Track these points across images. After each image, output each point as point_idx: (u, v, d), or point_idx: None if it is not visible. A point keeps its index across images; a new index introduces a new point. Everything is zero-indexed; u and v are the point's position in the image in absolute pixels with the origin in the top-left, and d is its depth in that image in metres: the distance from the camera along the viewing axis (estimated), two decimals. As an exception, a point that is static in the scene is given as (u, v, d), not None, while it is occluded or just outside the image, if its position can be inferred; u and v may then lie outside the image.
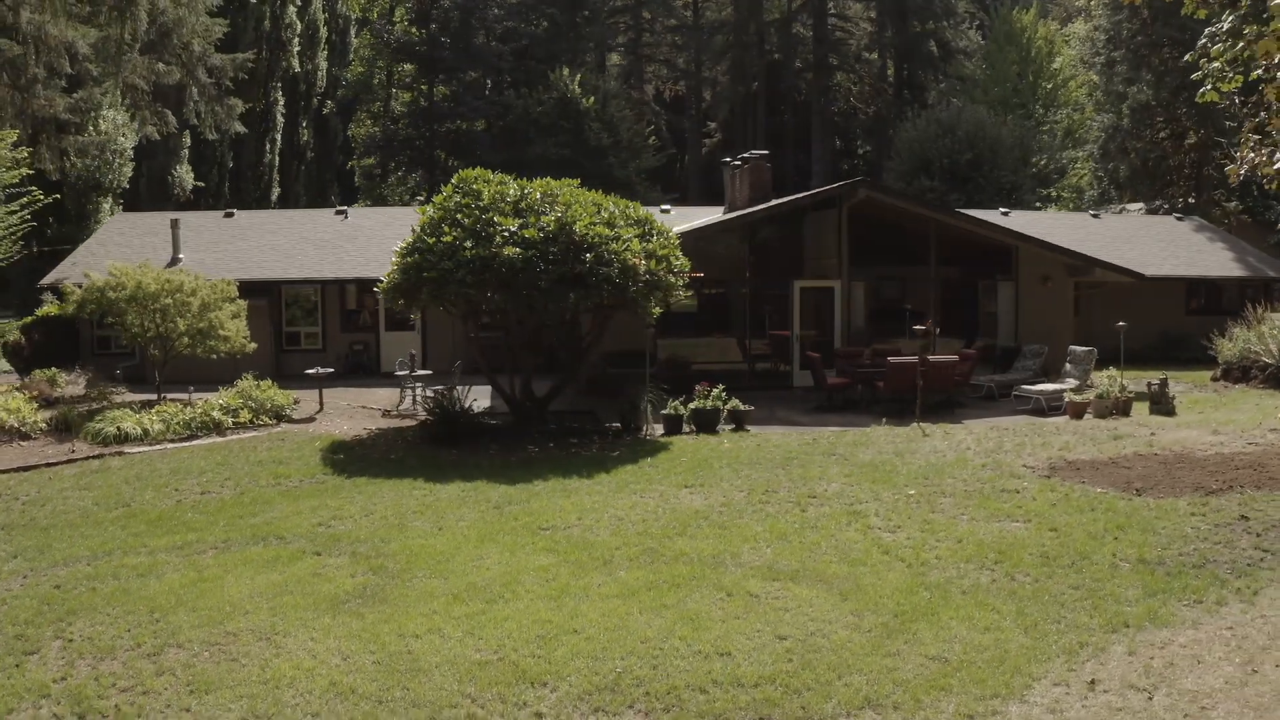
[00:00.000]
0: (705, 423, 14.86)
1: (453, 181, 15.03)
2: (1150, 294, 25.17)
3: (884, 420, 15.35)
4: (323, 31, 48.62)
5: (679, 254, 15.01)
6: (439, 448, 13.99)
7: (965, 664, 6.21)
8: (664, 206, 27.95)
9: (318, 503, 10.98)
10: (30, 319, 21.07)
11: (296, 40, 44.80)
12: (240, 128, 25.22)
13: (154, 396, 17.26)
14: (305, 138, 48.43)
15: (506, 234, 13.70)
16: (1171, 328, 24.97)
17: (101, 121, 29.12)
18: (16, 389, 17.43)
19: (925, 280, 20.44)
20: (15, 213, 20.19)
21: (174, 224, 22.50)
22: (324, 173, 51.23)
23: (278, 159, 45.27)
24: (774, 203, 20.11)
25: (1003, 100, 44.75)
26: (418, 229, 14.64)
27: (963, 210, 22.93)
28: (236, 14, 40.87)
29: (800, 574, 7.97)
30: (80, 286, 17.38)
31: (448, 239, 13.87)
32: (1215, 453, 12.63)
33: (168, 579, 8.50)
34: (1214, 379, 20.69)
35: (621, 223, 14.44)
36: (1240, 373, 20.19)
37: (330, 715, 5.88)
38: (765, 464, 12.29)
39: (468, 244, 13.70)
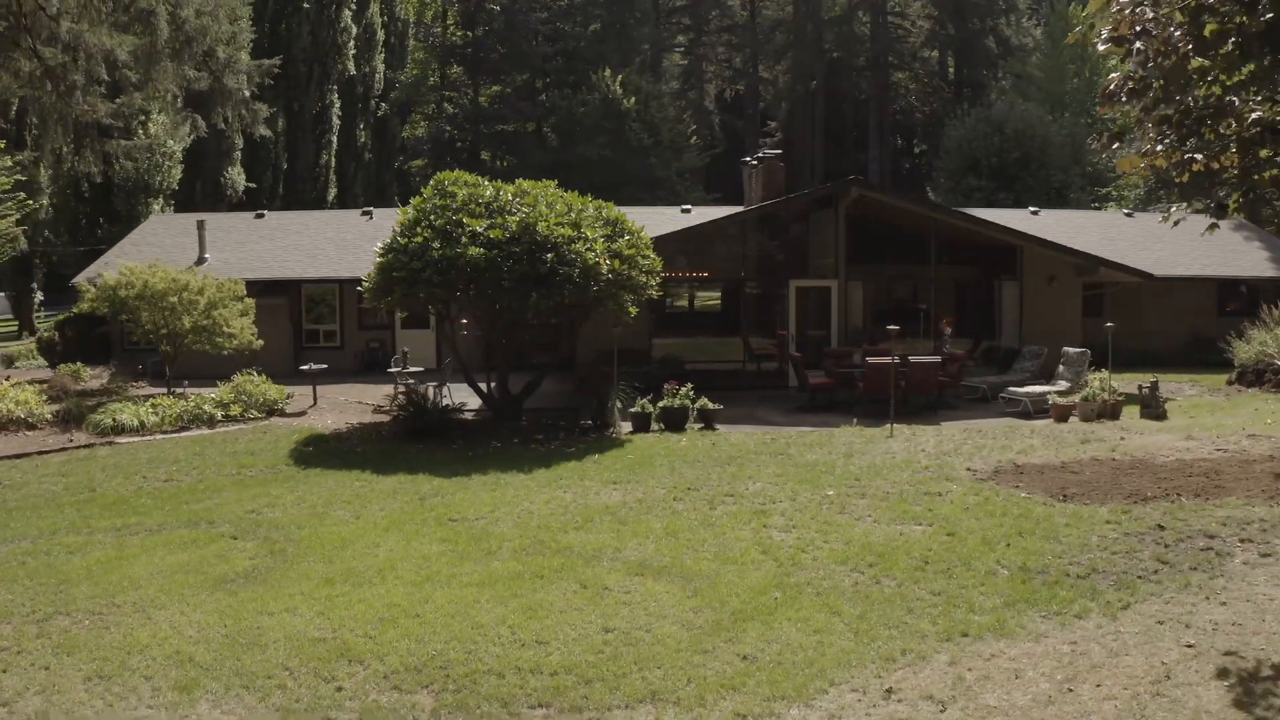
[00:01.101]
0: (673, 421, 14.97)
1: (431, 183, 15.44)
2: (1182, 295, 24.35)
3: (855, 421, 15.23)
4: (380, 35, 49.94)
5: (649, 253, 15.15)
6: (408, 442, 14.41)
7: (771, 665, 6.26)
8: (685, 206, 28.02)
9: (261, 491, 11.47)
10: (64, 316, 22.24)
11: (352, 44, 46.13)
12: (266, 131, 26.05)
13: (167, 390, 18.11)
14: (363, 139, 49.77)
15: (473, 234, 14.04)
16: (1203, 329, 24.05)
17: (151, 125, 30.59)
18: (40, 383, 18.49)
19: (926, 280, 20.14)
20: (5, 216, 21.35)
21: (200, 225, 23.52)
22: (383, 174, 52.58)
23: (334, 160, 46.68)
24: (764, 203, 20.05)
25: (1059, 98, 43.58)
26: (396, 230, 15.09)
27: (962, 209, 22.45)
28: (290, 18, 42.39)
29: (666, 570, 8.09)
30: (95, 285, 18.31)
31: (418, 240, 14.28)
32: (1176, 459, 12.23)
33: (91, 556, 9.07)
34: (1229, 382, 19.93)
35: (589, 224, 14.64)
36: (1254, 376, 19.41)
37: (162, 679, 6.29)
38: (706, 462, 12.37)
39: (435, 244, 14.08)
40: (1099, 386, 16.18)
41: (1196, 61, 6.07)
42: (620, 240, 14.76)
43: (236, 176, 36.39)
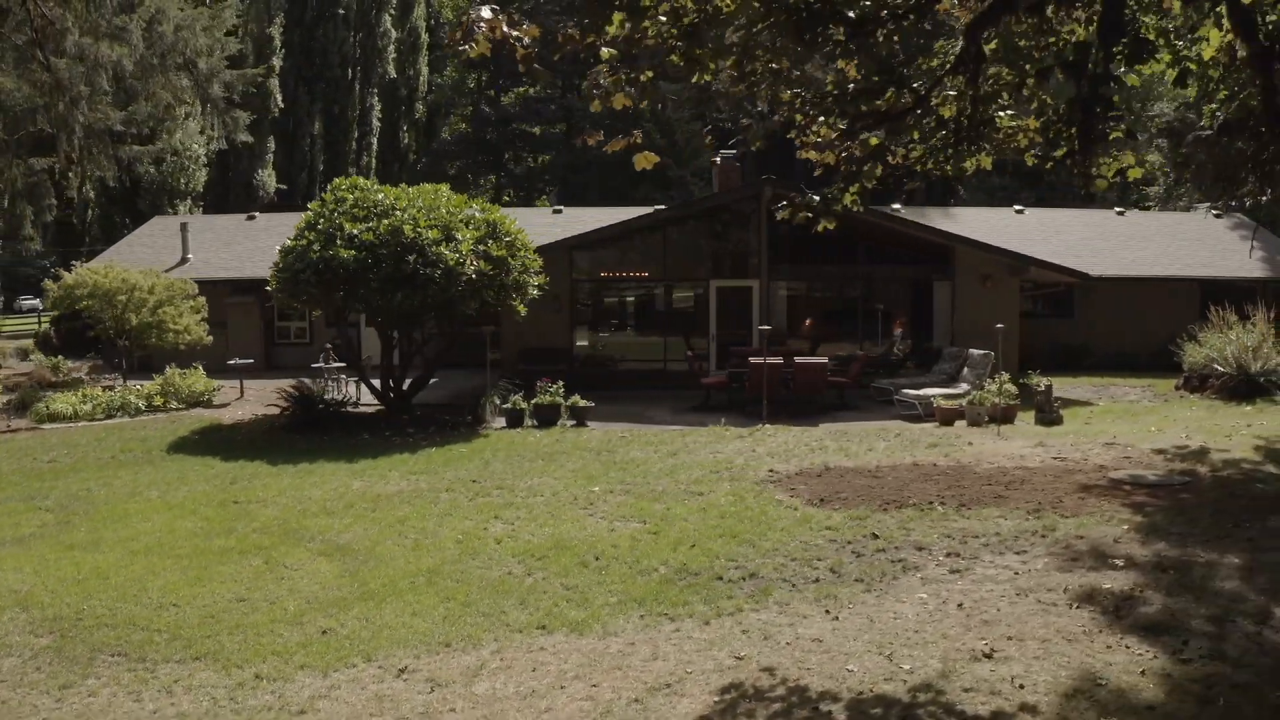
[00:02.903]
0: (545, 418, 15.48)
1: (329, 188, 16.32)
2: (1162, 296, 23.51)
3: (723, 421, 15.46)
4: (425, 38, 51.66)
5: (525, 254, 15.71)
6: (290, 433, 15.31)
7: (341, 638, 6.82)
8: (659, 207, 28.34)
9: (113, 473, 12.53)
10: (59, 314, 24.08)
11: (392, 48, 47.90)
12: (248, 137, 27.54)
13: (124, 382, 19.55)
14: (406, 140, 51.61)
15: (349, 238, 14.84)
16: (1182, 332, 23.16)
17: (176, 130, 32.57)
18: (24, 375, 20.18)
19: (855, 281, 20.07)
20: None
21: (183, 227, 25.11)
22: (432, 175, 54.35)
23: (375, 162, 48.57)
24: (678, 204, 20.28)
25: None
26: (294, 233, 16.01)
27: (884, 209, 22.11)
28: (327, 23, 44.27)
29: (354, 552, 8.69)
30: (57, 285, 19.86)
31: (303, 243, 15.17)
32: (997, 467, 12.12)
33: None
34: (1176, 387, 19.30)
35: (461, 226, 15.26)
36: (1199, 381, 18.74)
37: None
38: (529, 457, 12.87)
39: (315, 247, 14.93)
40: (995, 390, 15.97)
41: None
42: (491, 243, 15.32)
43: (267, 179, 38.34)
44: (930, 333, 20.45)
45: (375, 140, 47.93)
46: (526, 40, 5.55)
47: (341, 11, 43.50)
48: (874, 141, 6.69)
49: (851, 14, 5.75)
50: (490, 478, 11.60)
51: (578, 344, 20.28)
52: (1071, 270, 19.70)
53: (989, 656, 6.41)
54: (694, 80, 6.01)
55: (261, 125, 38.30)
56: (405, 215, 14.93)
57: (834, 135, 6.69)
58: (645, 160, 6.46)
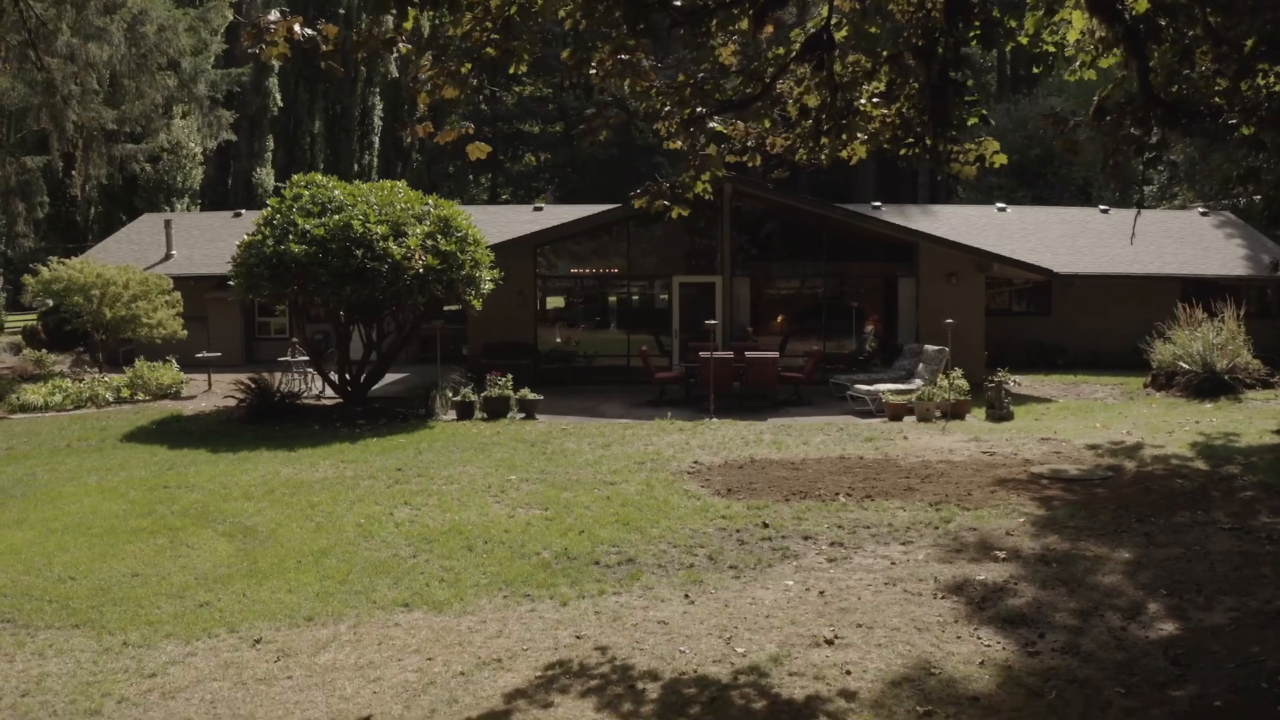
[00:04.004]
0: (494, 410, 15.65)
1: (288, 183, 16.58)
2: (1141, 294, 23.31)
3: (670, 415, 15.56)
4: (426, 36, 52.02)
5: (476, 250, 15.89)
6: (243, 425, 15.57)
7: (216, 609, 7.10)
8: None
9: (60, 460, 12.81)
10: (46, 308, 24.56)
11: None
12: (231, 135, 27.94)
13: (100, 374, 19.93)
14: (409, 140, 52.02)
15: (302, 233, 15.08)
16: (1161, 331, 23.01)
17: (172, 129, 33.05)
18: (7, 368, 20.61)
19: (819, 277, 20.11)
20: None
21: (167, 224, 25.53)
22: (433, 173, 54.73)
23: (377, 161, 48.96)
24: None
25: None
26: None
27: (844, 206, 22.11)
28: (331, 22, 44.63)
29: (256, 534, 8.93)
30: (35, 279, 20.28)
31: (259, 237, 15.43)
32: (922, 460, 12.17)
33: None
34: (1145, 386, 19.18)
35: (412, 222, 15.46)
36: (1166, 379, 18.63)
37: None
38: (465, 448, 13.05)
39: (269, 242, 15.19)
40: (946, 385, 15.97)
41: None
42: (441, 238, 15.50)
43: (266, 177, 38.78)
44: (896, 329, 20.44)
45: (377, 140, 48.34)
46: (330, 38, 5.71)
47: (342, 11, 43.87)
48: (717, 129, 6.78)
49: (678, 3, 5.86)
50: (415, 467, 11.78)
51: (542, 340, 20.45)
52: (1036, 267, 19.64)
53: (830, 643, 6.47)
54: (511, 71, 6.14)
55: (260, 124, 38.84)
56: (356, 211, 15.15)
57: (674, 124, 6.79)
58: (477, 150, 6.59)
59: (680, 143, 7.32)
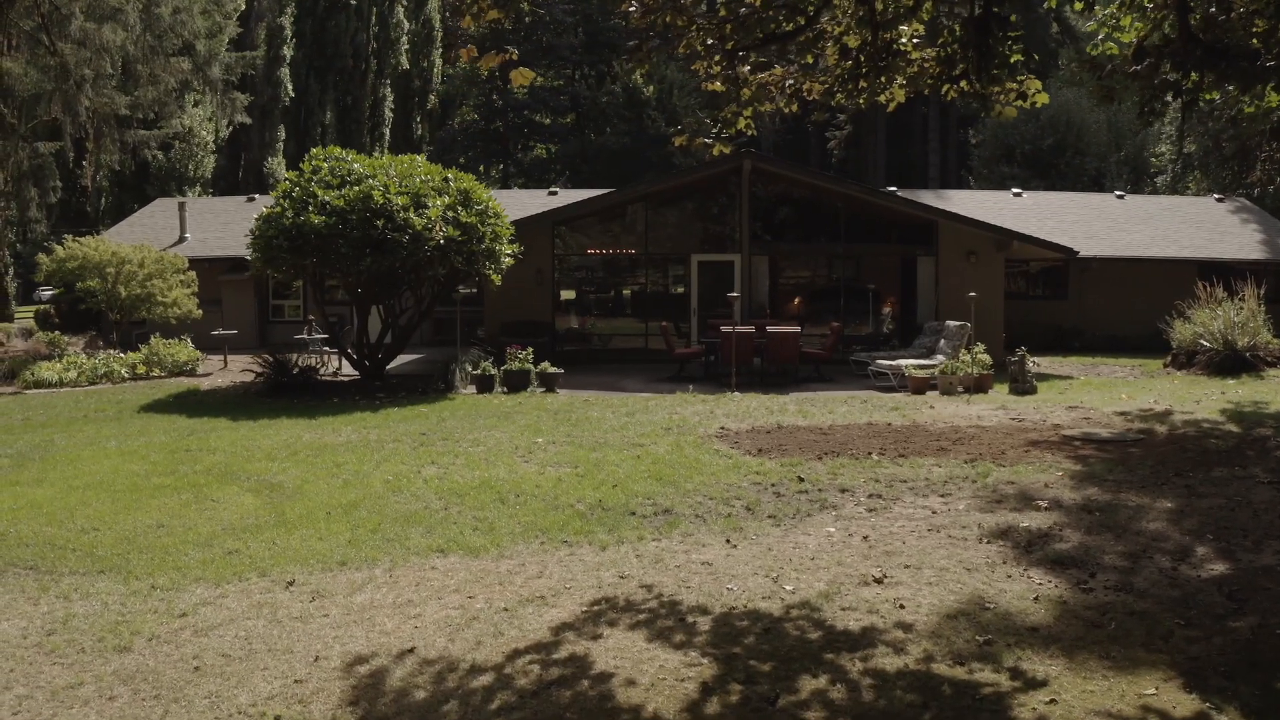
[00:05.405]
0: (514, 384, 15.55)
1: (307, 157, 16.49)
2: (1159, 278, 23.18)
3: (692, 388, 15.45)
4: (438, 30, 51.94)
5: (497, 224, 15.80)
6: (262, 397, 15.48)
7: (244, 556, 6.94)
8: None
9: (78, 429, 12.72)
10: (58, 291, 24.49)
11: (405, 39, 48.18)
12: (246, 119, 27.87)
13: (118, 352, 19.85)
14: (420, 132, 51.94)
15: (321, 204, 14.99)
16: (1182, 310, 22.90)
17: (186, 117, 33.02)
18: (19, 351, 20.55)
19: (838, 256, 19.99)
20: None
21: (181, 207, 25.47)
22: (443, 165, 54.70)
23: (387, 152, 48.90)
24: (659, 180, 20.27)
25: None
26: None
27: (856, 182, 21.99)
28: (339, 14, 44.63)
29: (282, 489, 8.80)
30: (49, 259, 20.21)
31: (278, 210, 15.34)
32: (951, 425, 12.07)
33: None
34: (1165, 365, 19.06)
35: (433, 194, 15.37)
36: (1186, 358, 18.50)
37: None
38: (488, 416, 12.94)
39: (288, 214, 15.10)
40: (969, 359, 15.87)
41: None
42: (462, 210, 15.41)
43: (277, 166, 38.72)
44: (915, 309, 20.31)
45: (388, 131, 48.27)
46: None
47: (354, 2, 43.79)
48: (759, 62, 6.68)
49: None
50: (440, 432, 11.68)
51: (559, 319, 20.34)
52: (1057, 245, 19.49)
53: (879, 582, 6.38)
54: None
55: (272, 114, 38.76)
56: (376, 183, 15.06)
57: (714, 63, 6.69)
58: (521, 76, 6.50)
59: (719, 83, 7.21)
